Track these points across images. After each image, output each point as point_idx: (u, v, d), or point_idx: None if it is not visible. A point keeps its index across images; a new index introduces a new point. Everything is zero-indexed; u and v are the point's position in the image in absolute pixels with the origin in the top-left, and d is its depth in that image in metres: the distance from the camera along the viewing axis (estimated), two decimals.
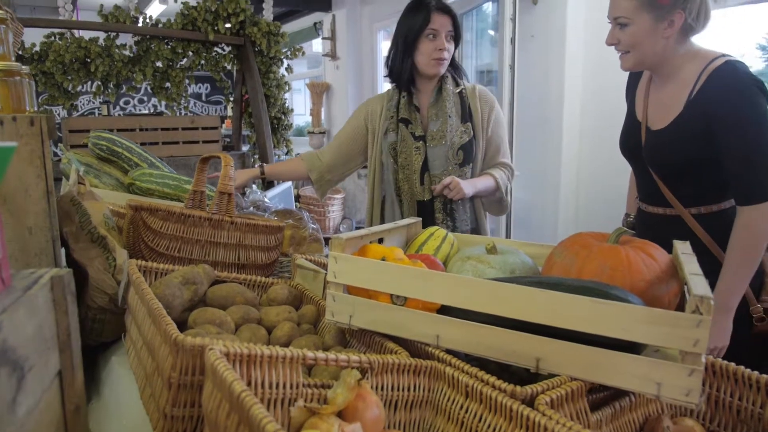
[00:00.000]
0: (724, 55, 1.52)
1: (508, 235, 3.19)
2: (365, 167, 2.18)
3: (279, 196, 3.29)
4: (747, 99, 1.44)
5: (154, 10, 6.41)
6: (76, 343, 0.74)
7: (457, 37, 1.94)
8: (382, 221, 2.08)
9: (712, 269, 1.20)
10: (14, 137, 1.00)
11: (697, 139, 1.51)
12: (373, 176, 2.08)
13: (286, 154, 4.49)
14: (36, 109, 1.18)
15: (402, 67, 1.94)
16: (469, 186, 1.84)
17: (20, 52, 3.26)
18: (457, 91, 1.97)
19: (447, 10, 1.91)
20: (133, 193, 1.86)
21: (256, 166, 2.26)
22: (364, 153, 2.11)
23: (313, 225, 2.04)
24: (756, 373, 0.84)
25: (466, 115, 1.95)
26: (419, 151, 1.93)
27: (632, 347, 0.78)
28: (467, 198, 1.94)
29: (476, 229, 2.04)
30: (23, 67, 1.09)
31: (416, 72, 1.96)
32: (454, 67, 2.01)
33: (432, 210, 1.95)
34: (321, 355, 0.75)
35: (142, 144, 3.21)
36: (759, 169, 1.44)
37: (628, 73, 1.76)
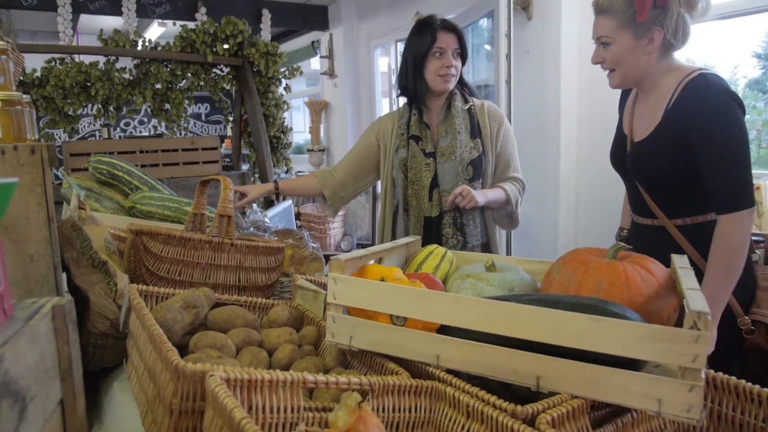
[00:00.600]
0: (700, 69, 1.57)
1: (508, 248, 3.19)
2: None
3: (279, 214, 3.30)
4: (718, 110, 1.48)
5: (153, 33, 6.48)
6: (78, 372, 0.74)
7: (464, 55, 1.99)
8: (393, 236, 2.10)
9: (697, 280, 1.22)
10: (15, 166, 1.01)
11: (674, 150, 1.55)
12: (385, 192, 2.12)
13: (286, 172, 4.52)
14: (37, 136, 1.19)
15: (414, 86, 2.00)
16: (481, 195, 1.86)
17: (21, 78, 3.30)
18: (466, 107, 2.02)
19: (452, 28, 1.95)
20: (134, 216, 1.88)
21: (271, 180, 2.30)
22: (377, 170, 2.14)
23: (313, 244, 2.05)
24: (757, 387, 0.84)
25: (476, 131, 1.99)
26: (429, 167, 1.97)
27: (632, 364, 0.78)
28: (477, 211, 1.98)
29: (487, 245, 2.05)
30: (24, 96, 1.10)
31: (426, 90, 2.00)
32: (463, 84, 2.06)
33: (439, 226, 1.98)
34: (321, 378, 0.76)
35: (143, 166, 3.23)
36: (734, 179, 1.47)
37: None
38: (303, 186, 2.27)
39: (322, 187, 2.14)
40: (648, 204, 1.65)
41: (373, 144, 2.12)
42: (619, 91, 1.82)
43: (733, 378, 0.86)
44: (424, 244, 1.85)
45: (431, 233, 1.98)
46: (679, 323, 0.90)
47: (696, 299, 0.76)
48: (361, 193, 2.28)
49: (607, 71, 1.64)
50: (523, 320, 0.81)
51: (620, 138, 1.77)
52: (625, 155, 1.71)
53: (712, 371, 0.88)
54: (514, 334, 0.82)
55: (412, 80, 2.00)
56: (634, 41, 1.55)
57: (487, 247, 2.05)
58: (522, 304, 0.83)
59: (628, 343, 0.75)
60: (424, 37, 1.95)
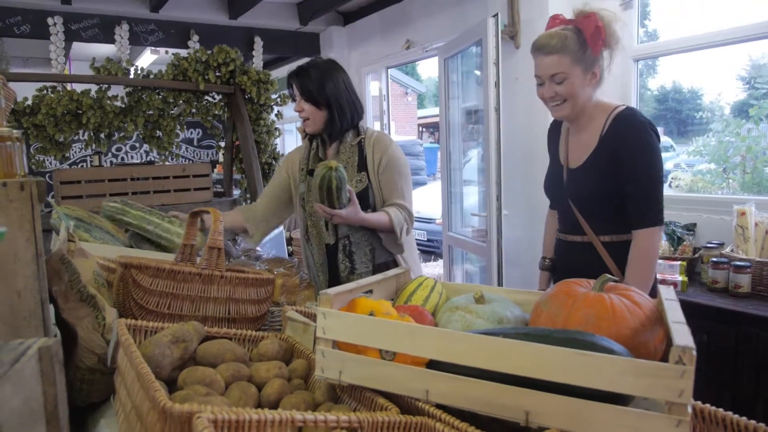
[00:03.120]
0: (625, 105, 1.83)
1: (499, 272, 3.20)
2: None
3: (271, 241, 3.30)
4: (643, 139, 1.73)
5: (146, 60, 6.52)
6: (64, 413, 0.74)
7: (313, 99, 2.04)
8: (306, 262, 2.24)
9: None
10: (4, 202, 1.01)
11: (605, 173, 1.78)
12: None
13: None
14: (26, 168, 1.19)
15: None
16: (347, 213, 1.89)
17: (12, 106, 3.30)
18: (356, 142, 2.11)
19: (291, 78, 2.09)
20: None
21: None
22: (292, 201, 2.28)
23: (304, 273, 2.05)
24: (744, 419, 0.84)
25: (362, 164, 2.08)
26: None
27: (622, 397, 0.79)
28: (365, 239, 2.06)
29: (381, 267, 2.07)
30: (14, 131, 1.10)
31: None
32: (333, 123, 2.08)
33: (336, 252, 2.09)
34: (310, 416, 0.76)
35: (134, 194, 3.24)
36: (650, 198, 1.73)
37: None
38: (230, 221, 2.28)
39: (244, 221, 2.26)
40: (580, 222, 1.85)
41: (285, 178, 2.26)
42: None
43: (721, 410, 0.87)
44: (329, 270, 2.13)
45: (332, 259, 2.11)
46: (666, 355, 0.91)
47: (681, 334, 0.77)
48: (282, 223, 2.50)
49: (554, 104, 1.82)
50: (511, 355, 0.82)
51: (555, 168, 1.99)
52: (561, 182, 1.92)
53: (699, 403, 0.89)
54: (503, 369, 0.82)
55: None
56: (583, 76, 1.78)
57: (383, 267, 2.06)
58: (510, 338, 0.84)
59: (614, 378, 0.75)
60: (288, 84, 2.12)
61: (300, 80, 2.07)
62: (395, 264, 2.13)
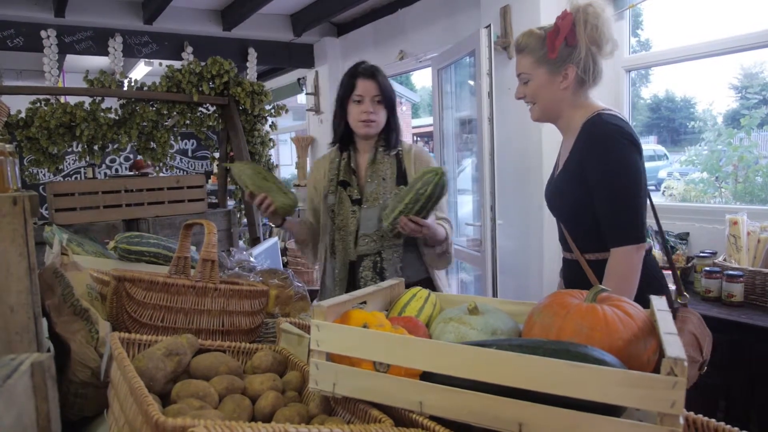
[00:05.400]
0: (603, 109, 1.65)
1: (494, 282, 3.20)
2: None
3: (265, 252, 3.29)
4: (611, 149, 1.57)
5: (139, 72, 6.53)
6: (56, 428, 0.74)
7: (387, 101, 2.02)
8: (323, 281, 2.16)
9: None
10: None
11: (576, 185, 1.64)
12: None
13: None
14: (19, 183, 1.20)
15: (340, 130, 2.09)
16: (431, 224, 1.83)
17: (5, 119, 3.30)
18: (394, 153, 2.07)
19: (372, 76, 2.01)
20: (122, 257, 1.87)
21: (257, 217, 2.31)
22: None
23: (298, 283, 2.04)
24: (736, 429, 0.85)
25: (402, 177, 2.04)
26: (355, 214, 2.02)
27: (615, 408, 0.79)
28: (396, 255, 1.99)
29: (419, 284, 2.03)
30: (7, 146, 1.11)
31: (352, 134, 2.08)
32: (390, 131, 2.07)
33: (359, 269, 2.00)
34: (303, 429, 0.75)
35: (127, 205, 3.23)
36: (621, 215, 1.57)
37: None
38: (298, 229, 2.24)
39: (310, 240, 2.21)
40: (566, 238, 1.74)
41: (313, 193, 2.20)
42: None
43: (713, 421, 0.87)
44: (351, 286, 2.00)
45: (354, 276, 2.02)
46: (658, 365, 0.91)
47: (673, 345, 0.77)
48: None
49: (529, 105, 1.74)
50: (504, 367, 0.82)
51: (551, 176, 1.87)
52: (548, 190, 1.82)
53: (692, 413, 0.89)
54: (496, 381, 0.83)
55: (338, 123, 2.09)
56: (549, 77, 1.67)
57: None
58: (503, 350, 0.84)
59: (606, 389, 0.75)
60: (346, 83, 2.04)
61: (382, 77, 2.02)
62: (429, 282, 2.07)
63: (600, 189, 1.58)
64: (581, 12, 1.61)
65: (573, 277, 1.75)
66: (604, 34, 1.63)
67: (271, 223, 2.07)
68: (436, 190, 1.73)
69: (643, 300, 1.56)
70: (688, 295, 1.81)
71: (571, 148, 1.67)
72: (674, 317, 1.69)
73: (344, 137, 2.10)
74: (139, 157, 4.10)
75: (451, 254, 2.04)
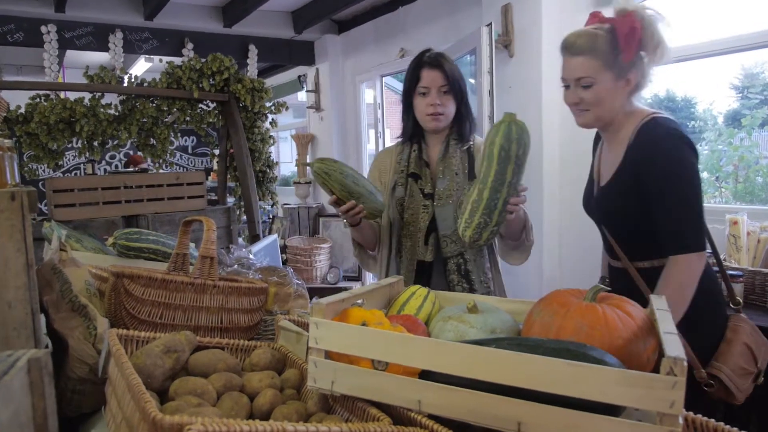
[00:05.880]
0: (655, 112, 1.60)
1: None
2: None
3: (265, 249, 3.29)
4: (669, 153, 1.51)
5: (140, 68, 6.52)
6: (53, 424, 0.73)
7: (455, 90, 1.87)
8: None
9: None
10: None
11: (631, 192, 1.58)
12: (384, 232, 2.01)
13: (272, 206, 4.52)
14: (18, 179, 1.19)
15: (407, 124, 1.96)
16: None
17: (5, 114, 3.29)
18: (465, 147, 1.91)
19: (437, 65, 1.85)
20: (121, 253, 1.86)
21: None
22: None
23: (297, 281, 2.04)
24: (736, 429, 0.85)
25: (473, 172, 1.88)
26: (427, 209, 1.87)
27: (613, 408, 0.79)
28: (484, 256, 1.87)
29: (493, 293, 1.91)
30: (6, 141, 1.10)
31: (419, 128, 1.95)
32: (462, 121, 1.93)
33: (431, 272, 1.87)
34: (301, 428, 0.75)
35: (127, 202, 3.22)
36: (684, 222, 1.50)
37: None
38: (368, 231, 2.00)
39: (377, 238, 2.02)
40: (613, 246, 1.67)
41: (375, 180, 2.03)
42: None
43: (712, 420, 0.87)
44: None
45: (422, 279, 1.87)
46: (658, 365, 0.91)
47: (673, 344, 0.77)
48: None
49: (578, 111, 1.65)
50: (503, 365, 0.82)
51: (590, 182, 1.79)
52: (590, 200, 1.74)
53: (691, 413, 0.89)
54: (494, 380, 0.82)
55: (405, 117, 1.97)
56: (614, 82, 1.58)
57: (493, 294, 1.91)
58: (502, 348, 0.84)
59: (605, 388, 0.75)
60: (412, 74, 1.90)
61: (450, 65, 1.85)
62: (499, 287, 1.93)
63: (661, 195, 1.52)
64: (643, 16, 1.54)
65: (620, 285, 1.65)
66: (663, 40, 1.58)
67: (348, 225, 1.88)
68: (519, 150, 1.43)
69: (698, 308, 1.51)
70: (741, 301, 1.73)
71: (624, 155, 1.60)
72: (725, 326, 1.62)
73: (413, 130, 1.97)
74: (139, 152, 4.09)
75: (531, 242, 1.83)
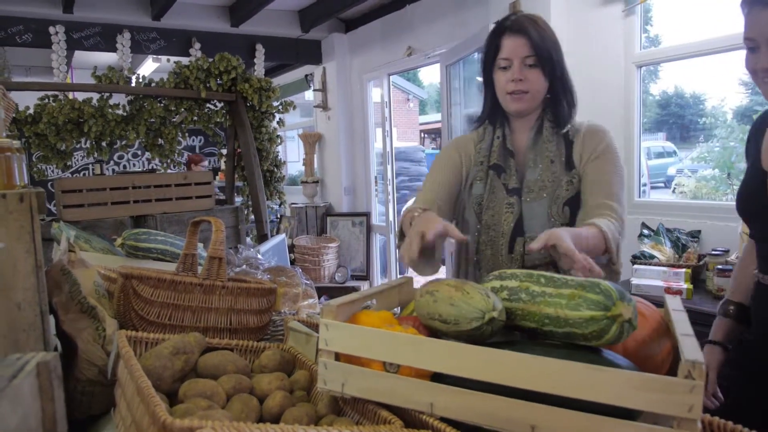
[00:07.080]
0: None
1: None
2: None
3: (272, 249, 3.29)
4: None
5: (147, 68, 6.54)
6: (63, 429, 0.72)
7: (546, 62, 1.49)
8: None
9: None
10: (3, 213, 1.01)
11: None
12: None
13: (280, 205, 4.52)
14: (26, 180, 1.19)
15: (487, 105, 1.63)
16: (568, 236, 1.16)
17: (14, 115, 3.31)
18: (563, 131, 1.55)
19: (521, 30, 1.50)
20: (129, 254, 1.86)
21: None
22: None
23: (306, 281, 2.04)
24: None
25: (572, 161, 1.53)
26: (511, 208, 1.52)
27: (629, 412, 0.77)
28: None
29: None
30: (14, 142, 1.10)
31: (500, 109, 1.60)
32: (558, 100, 1.56)
33: None
34: (312, 430, 0.74)
35: (135, 202, 3.23)
36: None
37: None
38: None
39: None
40: None
41: (458, 165, 1.64)
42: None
43: (730, 423, 0.85)
44: None
45: None
46: (673, 367, 0.89)
47: (690, 347, 0.75)
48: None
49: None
50: (517, 368, 0.80)
51: (755, 178, 1.36)
52: (760, 197, 1.34)
53: (708, 416, 0.87)
54: (507, 383, 0.81)
55: (485, 98, 1.63)
56: None
57: None
58: (515, 351, 0.82)
59: (622, 392, 0.74)
60: (489, 45, 1.57)
61: (538, 31, 1.49)
62: None
63: None
64: None
65: None
66: None
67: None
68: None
69: None
70: None
71: None
72: None
73: (494, 113, 1.61)
74: (147, 154, 4.11)
75: (617, 262, 1.43)
